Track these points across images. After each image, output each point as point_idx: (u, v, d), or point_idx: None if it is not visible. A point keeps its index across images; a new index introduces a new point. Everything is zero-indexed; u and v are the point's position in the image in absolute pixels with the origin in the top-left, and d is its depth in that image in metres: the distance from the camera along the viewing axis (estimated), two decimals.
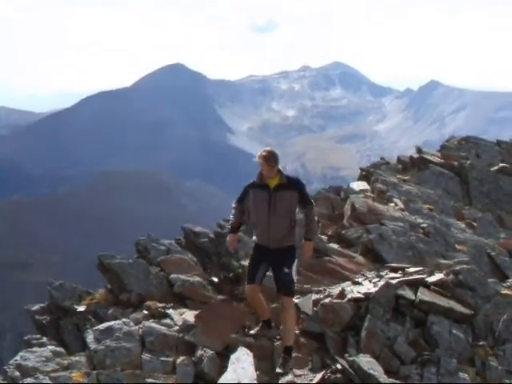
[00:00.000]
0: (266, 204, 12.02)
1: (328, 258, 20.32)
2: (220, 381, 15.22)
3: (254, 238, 13.10)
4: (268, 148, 12.39)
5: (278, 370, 13.37)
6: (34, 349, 14.93)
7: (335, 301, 17.61)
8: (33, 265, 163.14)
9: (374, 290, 17.62)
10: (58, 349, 15.21)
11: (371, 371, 15.28)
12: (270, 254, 12.69)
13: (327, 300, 17.72)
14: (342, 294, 17.93)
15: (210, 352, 15.84)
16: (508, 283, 20.49)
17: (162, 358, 15.46)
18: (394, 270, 19.33)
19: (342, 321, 17.14)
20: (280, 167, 12.39)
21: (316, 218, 12.86)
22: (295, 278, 12.90)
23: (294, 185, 12.29)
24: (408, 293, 17.60)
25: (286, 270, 12.33)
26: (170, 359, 15.54)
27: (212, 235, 20.41)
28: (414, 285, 18.02)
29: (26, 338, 16.34)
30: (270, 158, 11.99)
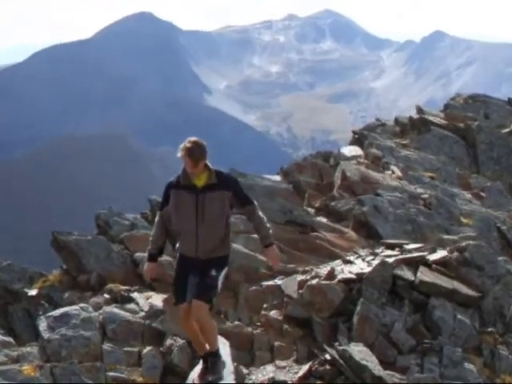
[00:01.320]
0: (192, 209, 10.95)
1: (315, 233, 20.32)
2: (191, 375, 15.25)
3: (178, 246, 11.99)
4: (193, 138, 11.15)
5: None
6: None
7: (323, 282, 17.60)
8: None
9: (367, 269, 17.62)
10: (7, 338, 15.21)
11: (364, 362, 15.29)
12: (199, 265, 11.48)
13: (314, 281, 17.72)
14: (331, 275, 17.91)
15: (180, 341, 15.83)
16: None
17: (125, 349, 15.45)
18: (391, 246, 19.32)
19: (332, 305, 17.15)
20: (207, 162, 11.26)
21: (265, 218, 11.73)
22: (220, 284, 11.76)
23: (225, 183, 11.23)
24: (406, 273, 17.59)
25: (213, 274, 11.32)
26: (135, 349, 15.52)
27: None
28: (414, 264, 18.01)
29: None
30: (195, 151, 10.83)
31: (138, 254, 18.50)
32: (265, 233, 11.62)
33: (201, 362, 15.29)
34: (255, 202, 11.55)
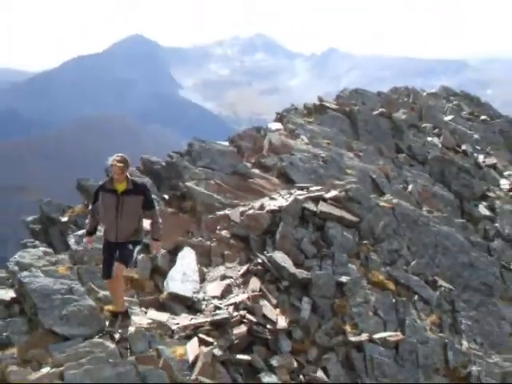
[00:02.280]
0: (113, 207, 10.64)
1: (251, 180, 20.32)
2: (170, 273, 15.27)
3: (103, 233, 11.47)
4: (120, 154, 10.81)
5: (107, 328, 11.65)
6: (29, 250, 14.78)
7: (257, 212, 17.69)
8: (29, 189, 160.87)
9: (285, 203, 17.71)
10: (48, 249, 15.06)
11: (283, 263, 15.39)
12: (118, 245, 11.08)
13: (251, 211, 17.79)
14: (262, 207, 18.00)
15: (163, 251, 15.79)
16: (385, 198, 20.67)
17: None
18: (301, 188, 19.43)
19: (262, 227, 17.22)
20: (128, 174, 10.84)
21: (160, 220, 11.49)
22: (135, 256, 11.56)
23: (139, 190, 10.89)
24: (311, 205, 17.72)
25: (130, 247, 10.92)
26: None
27: (164, 163, 20.23)
28: (316, 199, 18.14)
29: (22, 241, 16.16)
30: (122, 163, 10.54)
31: None
32: (156, 231, 11.52)
33: (177, 261, 15.46)
34: (156, 207, 11.38)
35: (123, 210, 10.39)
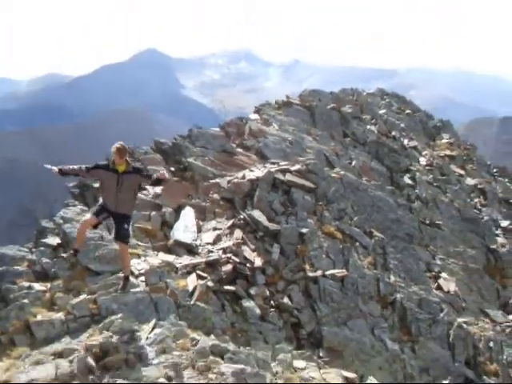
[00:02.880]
0: (115, 183, 9.82)
1: (236, 156, 20.22)
2: (175, 225, 15.25)
3: (102, 201, 10.33)
4: (120, 142, 9.87)
5: (119, 291, 10.67)
6: (70, 208, 14.65)
7: (240, 180, 17.59)
8: (73, 162, 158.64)
9: (261, 174, 17.61)
10: (84, 208, 14.91)
11: (259, 219, 15.38)
12: (114, 215, 10.24)
13: (235, 180, 17.69)
14: (243, 177, 17.89)
15: (169, 209, 15.76)
16: (335, 171, 20.64)
17: (142, 212, 15.30)
18: (273, 163, 19.31)
19: (244, 191, 17.15)
20: (127, 159, 9.95)
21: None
22: (131, 232, 10.80)
23: (135, 171, 10.01)
24: (280, 176, 17.63)
25: (126, 226, 10.11)
26: (147, 213, 15.39)
27: (170, 144, 20.06)
28: (284, 171, 18.05)
29: (65, 202, 15.98)
30: (121, 150, 9.69)
31: (149, 167, 18.14)
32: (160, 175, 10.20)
33: (180, 217, 15.41)
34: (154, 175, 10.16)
35: (123, 186, 9.75)
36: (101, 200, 10.21)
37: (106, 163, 9.83)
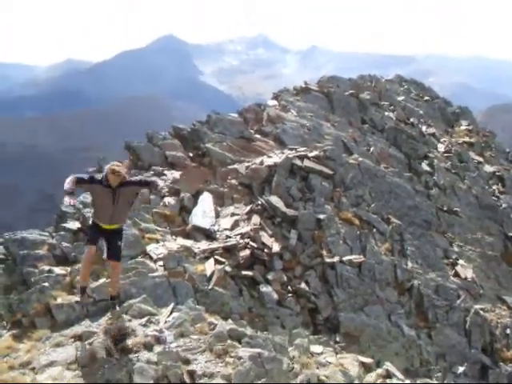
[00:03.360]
0: (110, 198, 8.90)
1: (254, 142, 20.14)
2: (193, 211, 15.25)
3: (93, 217, 9.50)
4: (116, 163, 9.09)
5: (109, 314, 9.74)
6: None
7: (258, 166, 17.54)
8: (92, 148, 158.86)
9: (279, 160, 17.55)
10: None
11: (277, 204, 15.35)
12: (106, 232, 9.26)
13: (253, 166, 17.64)
14: (261, 163, 17.83)
15: (188, 194, 15.75)
16: (353, 157, 20.52)
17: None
18: (291, 149, 19.21)
19: (261, 177, 17.10)
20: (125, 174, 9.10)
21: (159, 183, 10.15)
22: (122, 247, 9.48)
23: (127, 183, 9.00)
24: (298, 162, 17.56)
25: (119, 243, 9.29)
26: (165, 198, 15.41)
27: (189, 129, 20.00)
28: (302, 157, 17.97)
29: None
30: (118, 173, 8.78)
31: (167, 152, 18.09)
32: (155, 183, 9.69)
33: (198, 202, 15.40)
34: (153, 179, 10.04)
35: (119, 199, 8.91)
36: (91, 220, 9.50)
37: (100, 179, 8.97)
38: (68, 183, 8.74)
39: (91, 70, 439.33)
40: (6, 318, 10.55)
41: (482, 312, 16.40)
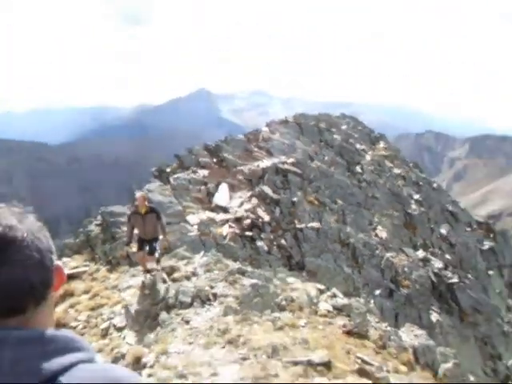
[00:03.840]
0: (141, 223, 8.33)
1: (253, 153, 19.87)
2: (216, 195, 15.01)
3: (138, 234, 8.68)
4: (142, 192, 9.23)
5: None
6: (152, 183, 14.54)
7: (256, 168, 17.21)
8: (148, 159, 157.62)
9: (269, 164, 17.27)
10: (161, 183, 14.76)
11: (268, 192, 15.14)
12: (146, 239, 8.51)
13: (253, 168, 17.29)
14: (258, 166, 17.46)
15: (212, 185, 15.57)
16: (314, 163, 20.23)
17: (196, 187, 15.11)
18: (276, 158, 18.86)
19: (258, 175, 16.78)
20: (146, 203, 8.61)
21: (165, 223, 8.72)
22: (158, 249, 8.72)
23: (153, 210, 8.43)
24: (280, 165, 17.20)
25: (155, 244, 8.50)
26: (198, 187, 15.18)
27: (213, 145, 19.75)
28: (283, 163, 17.63)
29: (149, 180, 15.76)
30: (144, 199, 8.44)
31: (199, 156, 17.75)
32: (163, 231, 8.50)
33: (219, 190, 15.18)
34: (163, 219, 8.67)
35: (146, 223, 8.36)
36: (136, 233, 8.75)
37: (133, 210, 8.64)
38: (129, 236, 8.60)
39: (154, 110, 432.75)
40: (103, 259, 10.73)
41: (390, 258, 16.39)
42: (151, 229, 8.43)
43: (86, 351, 0.86)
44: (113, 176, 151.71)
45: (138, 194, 8.66)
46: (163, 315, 7.22)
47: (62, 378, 0.79)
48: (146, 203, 8.57)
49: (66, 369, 0.80)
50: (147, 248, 8.44)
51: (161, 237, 8.56)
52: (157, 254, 8.64)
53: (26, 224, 0.89)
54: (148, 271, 8.57)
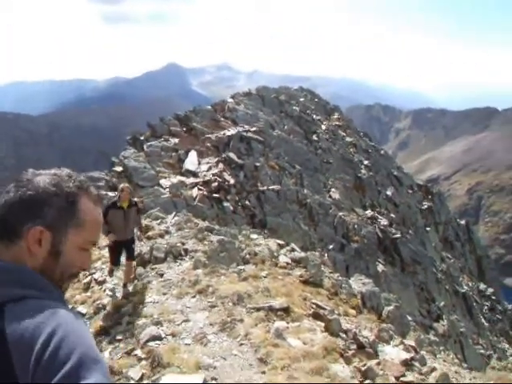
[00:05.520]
0: (122, 217, 6.43)
1: (220, 122, 19.53)
2: (186, 161, 14.72)
3: (112, 236, 6.44)
4: (126, 184, 6.93)
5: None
6: (127, 150, 14.07)
7: (222, 136, 16.83)
8: (130, 125, 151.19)
9: (234, 132, 16.89)
10: (135, 150, 14.32)
11: (233, 157, 14.95)
12: (123, 242, 6.54)
13: (219, 135, 16.95)
14: (224, 134, 17.11)
15: (182, 151, 15.18)
16: (275, 131, 20.15)
17: (168, 153, 14.76)
18: (241, 126, 18.54)
19: (224, 142, 16.49)
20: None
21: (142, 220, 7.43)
22: (135, 249, 6.97)
23: (134, 205, 6.63)
24: (244, 133, 16.96)
25: (133, 247, 6.78)
26: (170, 154, 14.83)
27: (183, 115, 19.22)
28: (247, 131, 17.37)
29: (124, 147, 15.19)
30: (128, 191, 6.53)
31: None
32: (140, 224, 7.04)
33: (188, 156, 14.88)
34: (139, 205, 7.16)
35: (129, 218, 6.54)
36: (110, 239, 6.54)
37: (113, 201, 6.65)
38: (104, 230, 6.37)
39: (131, 82, 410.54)
40: None
41: (343, 216, 16.88)
42: (132, 226, 6.77)
43: (42, 291, 0.86)
44: (91, 144, 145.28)
45: (123, 185, 6.78)
46: (139, 269, 7.22)
47: (7, 308, 0.80)
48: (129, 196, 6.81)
49: (13, 300, 0.81)
50: (125, 253, 6.75)
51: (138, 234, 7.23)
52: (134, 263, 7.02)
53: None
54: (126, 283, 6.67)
